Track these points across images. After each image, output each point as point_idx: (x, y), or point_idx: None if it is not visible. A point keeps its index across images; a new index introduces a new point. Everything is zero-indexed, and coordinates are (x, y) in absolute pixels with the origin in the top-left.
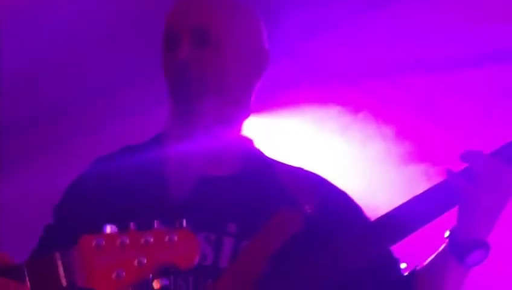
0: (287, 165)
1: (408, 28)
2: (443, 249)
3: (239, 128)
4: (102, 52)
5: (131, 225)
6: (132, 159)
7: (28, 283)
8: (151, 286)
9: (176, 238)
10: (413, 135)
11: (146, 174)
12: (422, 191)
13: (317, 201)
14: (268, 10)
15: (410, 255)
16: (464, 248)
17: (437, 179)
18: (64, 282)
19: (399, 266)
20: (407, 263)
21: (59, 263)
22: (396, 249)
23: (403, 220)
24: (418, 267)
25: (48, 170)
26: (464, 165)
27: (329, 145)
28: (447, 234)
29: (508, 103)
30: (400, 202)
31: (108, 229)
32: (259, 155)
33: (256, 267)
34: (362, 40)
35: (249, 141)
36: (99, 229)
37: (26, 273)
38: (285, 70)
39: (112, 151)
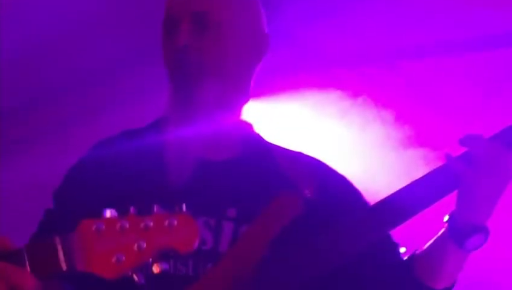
0: (287, 149)
1: (407, 12)
2: (442, 234)
3: (239, 113)
4: (102, 37)
5: (131, 209)
6: (132, 143)
7: (28, 267)
8: (151, 270)
9: (175, 222)
10: (412, 120)
11: (146, 159)
12: (421, 176)
13: (316, 185)
14: None
15: (409, 240)
16: (463, 232)
17: (436, 164)
18: (64, 266)
19: (398, 251)
20: (406, 248)
21: (59, 247)
22: (395, 233)
23: (402, 204)
24: (417, 252)
25: (48, 155)
26: (463, 150)
27: (329, 130)
28: (446, 218)
29: (507, 88)
30: (399, 186)
31: (108, 213)
32: (259, 139)
33: (256, 251)
34: (362, 24)
35: (249, 126)
36: (99, 214)
37: (26, 257)
38: (285, 55)
39: (111, 135)
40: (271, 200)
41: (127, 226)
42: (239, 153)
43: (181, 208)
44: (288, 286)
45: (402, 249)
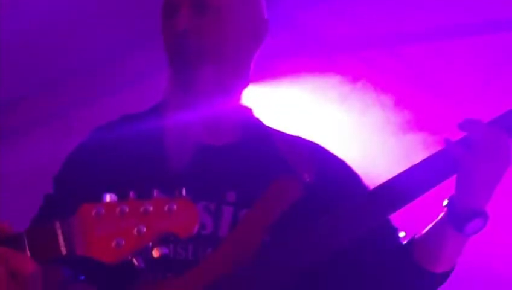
0: (286, 134)
1: None
2: (441, 218)
3: (238, 97)
4: (102, 22)
5: (131, 193)
6: (131, 128)
7: (28, 252)
8: (151, 254)
9: (175, 207)
10: (412, 104)
11: (145, 143)
12: (420, 160)
13: (316, 170)
14: None
15: (408, 224)
16: (462, 217)
17: (435, 148)
18: (64, 250)
19: (398, 235)
20: (405, 232)
21: (59, 231)
22: (395, 218)
23: (401, 188)
24: (416, 236)
25: (48, 140)
26: (462, 134)
27: (329, 114)
28: (445, 202)
29: (507, 72)
30: (398, 171)
31: (108, 197)
32: (259, 124)
33: (255, 236)
34: (361, 9)
35: (248, 110)
36: (99, 198)
37: (26, 242)
38: (284, 40)
39: (111, 120)
40: (270, 184)
41: (127, 210)
42: (239, 138)
43: (181, 193)
44: (288, 270)
45: (401, 234)
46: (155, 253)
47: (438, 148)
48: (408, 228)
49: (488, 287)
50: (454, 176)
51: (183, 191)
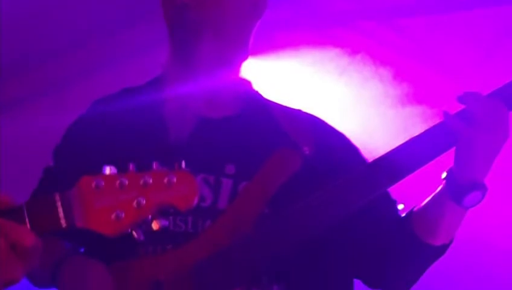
0: (285, 106)
1: None
2: (440, 191)
3: (238, 70)
4: None
5: (130, 166)
6: (131, 100)
7: (28, 224)
8: (150, 226)
9: (174, 179)
10: (410, 77)
11: (145, 116)
12: (419, 133)
13: (315, 142)
14: None
15: (407, 197)
16: (460, 189)
17: (434, 121)
18: (63, 223)
19: (396, 207)
20: (404, 205)
21: (59, 204)
22: (393, 190)
23: (400, 161)
24: (415, 209)
25: (48, 112)
26: (461, 107)
27: (327, 87)
28: (444, 175)
29: (507, 45)
30: (397, 144)
31: (108, 170)
32: (258, 97)
33: (254, 208)
34: None
35: (248, 83)
36: (99, 170)
37: (26, 214)
38: (284, 12)
39: (111, 93)
40: (270, 157)
41: (126, 183)
42: (238, 110)
43: (180, 165)
44: (287, 242)
45: (400, 206)
46: (154, 225)
47: (437, 121)
48: (407, 200)
49: (487, 259)
50: (453, 149)
51: (183, 164)
